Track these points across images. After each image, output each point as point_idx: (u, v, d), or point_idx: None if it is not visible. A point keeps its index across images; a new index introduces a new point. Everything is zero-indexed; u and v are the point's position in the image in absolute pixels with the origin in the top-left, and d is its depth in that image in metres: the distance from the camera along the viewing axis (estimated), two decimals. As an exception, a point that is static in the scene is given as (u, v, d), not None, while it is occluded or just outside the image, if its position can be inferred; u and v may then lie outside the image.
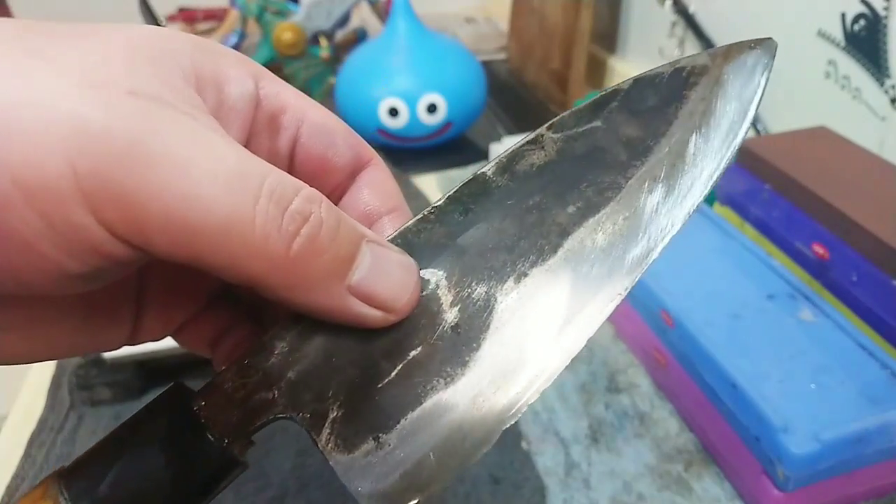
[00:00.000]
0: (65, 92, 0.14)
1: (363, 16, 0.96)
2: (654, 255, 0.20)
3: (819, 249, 0.42)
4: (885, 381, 0.34)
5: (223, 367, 0.18)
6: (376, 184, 0.21)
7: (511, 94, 0.90)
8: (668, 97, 0.20)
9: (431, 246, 0.19)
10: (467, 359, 0.18)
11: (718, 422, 0.37)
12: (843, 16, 0.53)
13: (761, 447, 0.33)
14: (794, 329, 0.38)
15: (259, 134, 0.19)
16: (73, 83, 0.14)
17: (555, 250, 0.19)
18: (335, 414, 0.18)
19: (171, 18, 0.98)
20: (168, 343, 0.38)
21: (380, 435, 0.18)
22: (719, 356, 0.36)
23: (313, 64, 0.83)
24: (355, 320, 0.17)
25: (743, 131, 0.20)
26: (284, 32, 0.80)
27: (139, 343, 0.21)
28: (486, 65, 0.81)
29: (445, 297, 0.19)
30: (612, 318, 0.49)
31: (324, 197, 0.16)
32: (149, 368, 0.45)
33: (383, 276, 0.17)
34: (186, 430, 0.17)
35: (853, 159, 0.45)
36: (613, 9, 0.86)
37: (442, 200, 0.20)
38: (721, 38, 0.68)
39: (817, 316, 0.39)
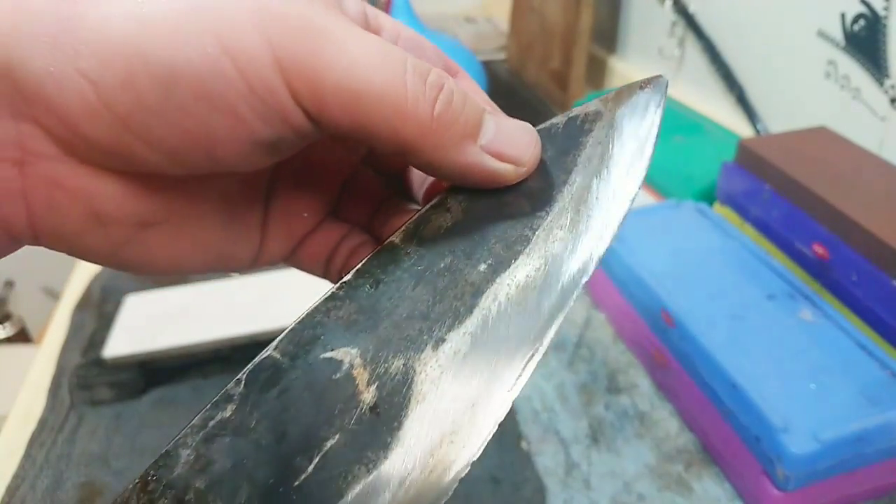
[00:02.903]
0: None
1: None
2: (570, 302, 0.19)
3: (819, 249, 0.42)
4: (885, 381, 0.34)
5: (128, 486, 0.17)
6: (468, 90, 0.22)
7: (511, 94, 0.90)
8: (565, 146, 0.21)
9: (343, 324, 0.19)
10: (389, 440, 0.17)
11: (718, 422, 0.37)
12: (843, 16, 0.53)
13: (761, 447, 0.33)
14: (794, 329, 0.38)
15: None
16: None
17: (470, 311, 0.19)
18: None
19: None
20: (168, 343, 0.38)
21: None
22: (719, 356, 0.36)
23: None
24: (491, 176, 0.19)
25: (643, 168, 0.20)
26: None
27: (264, 264, 0.23)
28: (486, 65, 0.81)
29: (361, 377, 0.18)
30: (612, 318, 0.49)
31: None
32: (149, 368, 0.45)
33: (507, 135, 0.20)
34: None
35: (853, 159, 0.45)
36: (613, 9, 0.86)
37: (350, 275, 0.19)
38: (721, 38, 0.68)
39: (817, 316, 0.39)
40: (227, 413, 0.17)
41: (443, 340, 0.18)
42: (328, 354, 0.18)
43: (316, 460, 0.17)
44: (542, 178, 0.20)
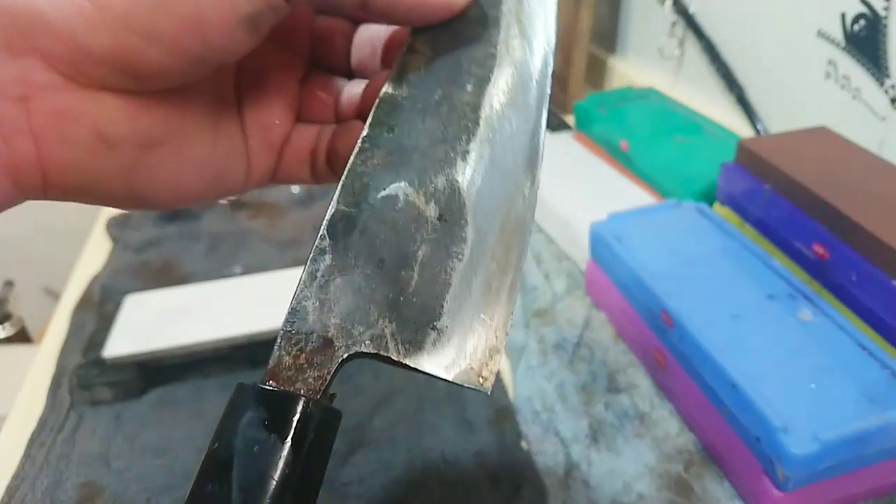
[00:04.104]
0: None
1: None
2: (548, 90, 0.23)
3: (819, 249, 0.42)
4: (885, 381, 0.34)
5: (274, 345, 0.19)
6: None
7: (511, 94, 0.90)
8: None
9: (382, 167, 0.22)
10: (464, 234, 0.21)
11: (718, 422, 0.37)
12: (843, 16, 0.53)
13: (761, 447, 0.33)
14: (794, 329, 0.38)
15: None
16: None
17: (476, 123, 0.22)
18: (391, 328, 0.20)
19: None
20: (168, 343, 0.38)
21: (435, 323, 0.20)
22: (719, 356, 0.36)
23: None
24: (445, 3, 0.22)
25: None
26: None
27: (256, 181, 0.25)
28: (486, 65, 0.80)
29: (419, 200, 0.21)
30: (612, 319, 0.49)
31: None
32: (149, 368, 0.45)
33: None
34: (275, 406, 0.18)
35: (853, 159, 0.45)
36: (613, 9, 0.86)
37: (366, 129, 0.22)
38: (721, 38, 0.68)
39: (817, 316, 0.39)
40: (328, 261, 0.20)
41: (467, 151, 0.22)
42: (383, 193, 0.21)
43: (416, 268, 0.20)
44: (482, 6, 0.24)
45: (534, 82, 0.23)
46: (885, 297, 0.38)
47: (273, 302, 0.47)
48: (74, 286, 0.57)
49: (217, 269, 0.56)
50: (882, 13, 0.50)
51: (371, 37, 0.26)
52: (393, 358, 0.19)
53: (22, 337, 1.29)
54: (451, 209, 0.21)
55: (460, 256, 0.21)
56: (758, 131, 0.64)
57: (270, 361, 0.19)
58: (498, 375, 0.45)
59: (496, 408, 0.42)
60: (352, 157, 0.22)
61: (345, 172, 0.22)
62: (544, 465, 0.39)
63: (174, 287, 0.51)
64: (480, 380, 0.20)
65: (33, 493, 0.38)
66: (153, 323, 0.46)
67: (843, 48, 0.54)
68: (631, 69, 0.84)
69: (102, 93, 0.19)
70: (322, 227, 0.21)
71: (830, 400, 0.33)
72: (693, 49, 0.73)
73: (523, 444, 0.40)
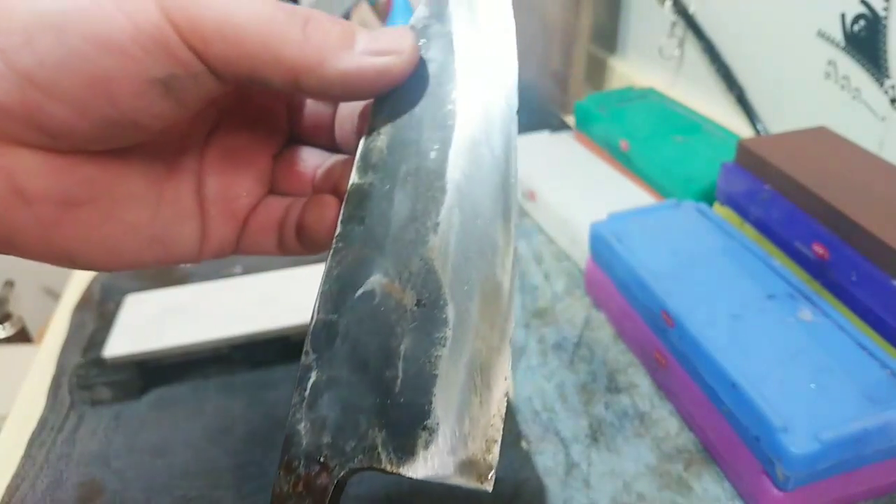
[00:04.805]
0: None
1: (363, 16, 0.96)
2: (514, 131, 0.22)
3: (819, 249, 0.42)
4: (885, 381, 0.34)
5: (275, 478, 0.19)
6: None
7: (511, 94, 0.90)
8: (438, 27, 0.23)
9: (356, 265, 0.21)
10: (444, 315, 0.20)
11: (718, 422, 0.37)
12: (843, 16, 0.53)
13: (761, 447, 0.33)
14: (794, 329, 0.38)
15: None
16: None
17: (444, 191, 0.21)
18: (381, 437, 0.19)
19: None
20: (168, 343, 0.38)
21: (425, 423, 0.19)
22: (719, 356, 0.36)
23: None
24: (381, 71, 0.21)
25: (507, 6, 0.24)
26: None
27: (213, 252, 0.24)
28: (486, 65, 0.80)
29: (395, 290, 0.20)
30: (612, 318, 0.49)
31: None
32: (149, 368, 0.45)
33: (380, 35, 0.21)
34: None
35: (853, 159, 0.45)
36: (613, 9, 0.86)
37: (339, 227, 0.22)
38: (721, 38, 0.68)
39: (817, 316, 0.39)
40: (314, 377, 0.20)
41: (437, 224, 0.21)
42: (360, 291, 0.21)
43: (400, 364, 0.20)
44: (433, 56, 0.23)
45: (497, 129, 0.22)
46: (885, 297, 0.38)
47: (273, 302, 0.47)
48: (74, 286, 0.57)
49: (217, 269, 0.56)
50: (882, 13, 0.50)
51: (351, 111, 0.25)
52: (387, 470, 0.19)
53: (22, 337, 1.29)
54: (429, 290, 0.20)
55: (444, 341, 0.20)
56: (758, 131, 0.64)
57: (273, 488, 0.19)
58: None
59: (496, 408, 0.42)
60: (327, 260, 0.21)
61: (322, 278, 0.21)
62: (544, 465, 0.39)
63: (174, 287, 0.51)
64: (479, 477, 0.18)
65: (33, 492, 0.38)
66: (153, 323, 0.46)
67: (843, 48, 0.54)
68: (631, 69, 0.84)
69: (21, 148, 0.19)
70: (306, 342, 0.20)
71: (830, 400, 0.33)
72: (693, 49, 0.73)
73: (523, 444, 0.40)
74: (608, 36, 0.88)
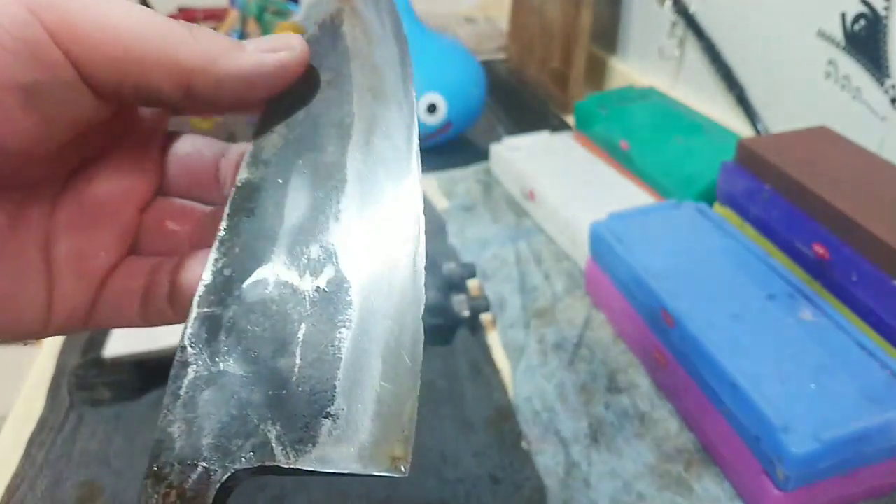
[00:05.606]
0: None
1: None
2: (415, 120, 0.22)
3: (819, 249, 0.42)
4: (885, 381, 0.34)
5: (141, 489, 0.17)
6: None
7: (511, 94, 0.90)
8: (334, 38, 0.23)
9: (244, 256, 0.20)
10: (348, 298, 0.18)
11: (718, 422, 0.37)
12: (843, 16, 0.53)
13: (761, 447, 0.33)
14: (794, 329, 0.38)
15: None
16: None
17: (345, 181, 0.20)
18: (275, 431, 0.17)
19: (171, 17, 0.98)
20: (168, 343, 0.38)
21: (328, 410, 0.17)
22: (719, 356, 0.36)
23: (313, 64, 0.83)
24: (276, 66, 0.20)
25: (398, 18, 0.23)
26: (284, 32, 0.80)
27: (63, 320, 0.21)
28: (486, 65, 0.80)
29: (291, 277, 0.19)
30: (612, 318, 0.49)
31: None
32: (148, 368, 0.45)
33: (269, 38, 0.21)
34: None
35: (853, 159, 0.45)
36: (613, 9, 0.86)
37: (224, 221, 0.20)
38: (721, 38, 0.68)
39: (817, 316, 0.39)
40: (191, 374, 0.18)
41: (339, 211, 0.20)
42: (250, 281, 0.19)
43: (298, 351, 0.18)
44: (329, 68, 0.22)
45: (395, 122, 0.21)
46: (885, 297, 0.38)
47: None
48: (74, 286, 0.57)
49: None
50: (882, 13, 0.50)
51: (238, 158, 0.23)
52: (281, 466, 0.16)
53: (22, 337, 1.29)
54: (330, 276, 0.19)
55: (348, 324, 0.18)
56: (758, 131, 0.64)
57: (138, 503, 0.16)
58: (498, 375, 0.45)
59: (496, 407, 0.42)
60: (211, 255, 0.20)
61: (204, 271, 0.19)
62: (544, 465, 0.39)
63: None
64: (393, 461, 0.16)
65: (33, 492, 0.38)
66: (153, 323, 0.46)
67: (843, 48, 0.54)
68: (631, 69, 0.84)
69: None
70: (181, 338, 0.18)
71: (830, 400, 0.33)
72: (693, 49, 0.73)
73: (523, 444, 0.40)
74: (608, 36, 0.88)
